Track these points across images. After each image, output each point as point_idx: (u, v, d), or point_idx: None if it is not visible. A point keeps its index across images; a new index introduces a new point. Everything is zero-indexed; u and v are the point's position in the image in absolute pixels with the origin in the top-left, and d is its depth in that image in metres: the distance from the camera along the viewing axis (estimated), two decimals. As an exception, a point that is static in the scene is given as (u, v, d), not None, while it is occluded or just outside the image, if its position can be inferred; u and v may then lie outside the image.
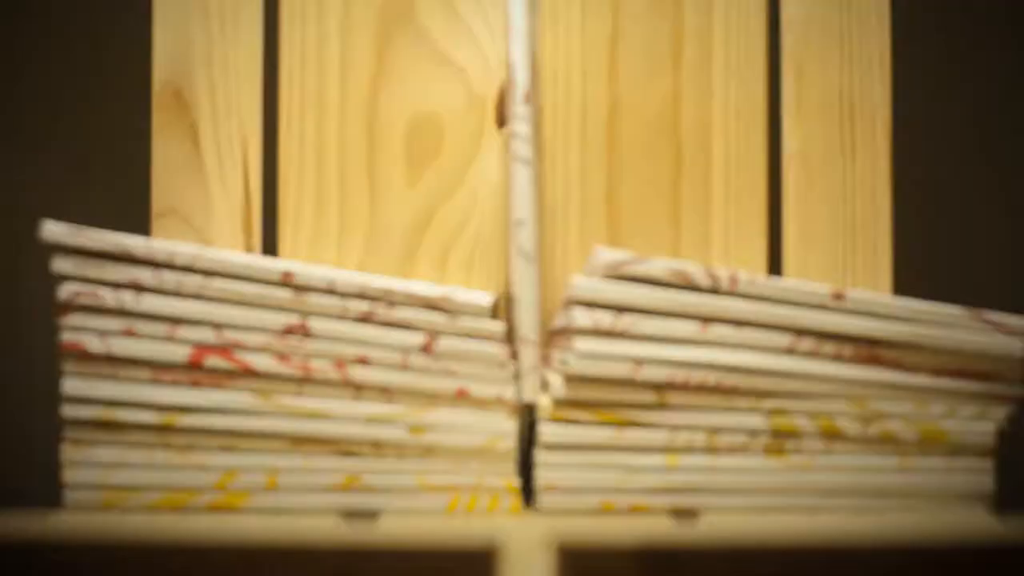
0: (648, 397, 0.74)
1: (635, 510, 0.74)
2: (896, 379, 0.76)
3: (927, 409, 0.75)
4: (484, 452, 0.74)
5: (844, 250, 0.87)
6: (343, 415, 0.74)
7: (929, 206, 1.03)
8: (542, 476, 0.74)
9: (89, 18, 1.01)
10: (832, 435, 0.75)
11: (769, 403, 0.74)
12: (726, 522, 0.73)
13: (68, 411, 0.74)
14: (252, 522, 0.72)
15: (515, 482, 0.75)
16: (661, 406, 0.74)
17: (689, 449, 0.74)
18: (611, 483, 0.74)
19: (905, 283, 0.89)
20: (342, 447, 0.74)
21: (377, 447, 0.74)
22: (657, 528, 0.69)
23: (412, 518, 0.73)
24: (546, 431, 0.74)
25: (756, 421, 0.75)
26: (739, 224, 0.87)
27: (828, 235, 0.87)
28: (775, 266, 0.87)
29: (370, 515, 0.74)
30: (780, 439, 0.74)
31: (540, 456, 0.74)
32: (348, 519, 0.73)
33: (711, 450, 0.75)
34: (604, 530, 0.69)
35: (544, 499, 0.74)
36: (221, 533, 0.51)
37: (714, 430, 0.74)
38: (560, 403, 0.74)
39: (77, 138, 1.01)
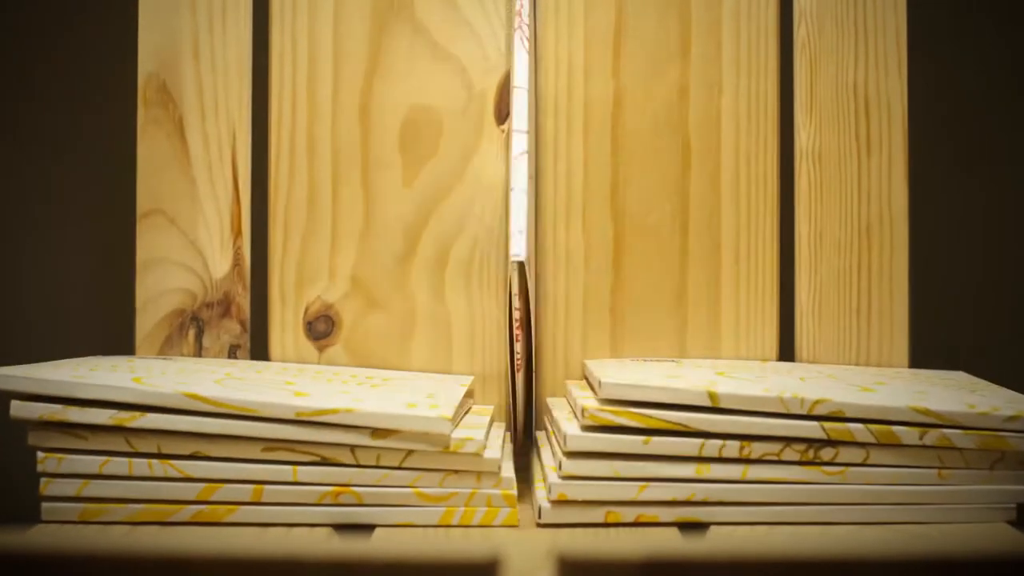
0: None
1: (641, 520, 0.72)
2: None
3: (985, 414, 0.72)
4: (478, 459, 0.72)
5: (859, 250, 0.86)
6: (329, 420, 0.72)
7: (947, 206, 1.01)
8: (559, 486, 0.72)
9: (72, 6, 1.00)
10: (889, 443, 0.72)
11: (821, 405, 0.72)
12: (733, 534, 0.70)
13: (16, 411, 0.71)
14: (239, 535, 0.70)
15: (513, 491, 0.72)
16: (705, 408, 0.72)
17: (720, 458, 0.72)
18: (636, 494, 0.72)
19: (921, 289, 0.88)
20: (329, 454, 0.71)
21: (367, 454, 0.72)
22: (663, 541, 0.68)
23: (409, 530, 0.71)
24: (573, 436, 0.72)
25: (802, 426, 0.72)
26: (750, 224, 0.85)
27: (842, 236, 0.86)
28: (787, 269, 0.86)
29: (364, 528, 0.72)
30: (816, 448, 0.72)
31: (564, 465, 0.72)
32: (340, 532, 0.71)
33: (744, 459, 0.72)
34: (608, 543, 0.67)
35: (555, 510, 0.72)
36: (205, 547, 0.49)
37: (751, 437, 0.72)
38: (601, 403, 0.72)
39: (59, 133, 1.00)
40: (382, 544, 0.49)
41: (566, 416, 0.75)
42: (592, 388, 0.76)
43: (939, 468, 0.72)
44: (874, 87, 0.86)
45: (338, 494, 0.71)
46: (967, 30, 1.01)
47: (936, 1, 0.98)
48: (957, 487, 0.72)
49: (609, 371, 0.75)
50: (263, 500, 0.71)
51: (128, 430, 0.71)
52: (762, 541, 0.57)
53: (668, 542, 0.67)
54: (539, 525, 0.72)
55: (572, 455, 0.72)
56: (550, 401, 0.82)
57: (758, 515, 0.72)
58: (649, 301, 0.85)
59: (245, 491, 0.71)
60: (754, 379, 0.75)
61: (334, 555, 0.48)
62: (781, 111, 0.86)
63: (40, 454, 0.71)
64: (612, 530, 0.71)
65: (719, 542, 0.58)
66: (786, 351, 0.86)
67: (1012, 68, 1.02)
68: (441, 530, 0.71)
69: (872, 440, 0.72)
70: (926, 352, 0.90)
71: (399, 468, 0.71)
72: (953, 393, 0.75)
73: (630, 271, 0.85)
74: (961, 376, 0.84)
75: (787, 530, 0.71)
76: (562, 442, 0.72)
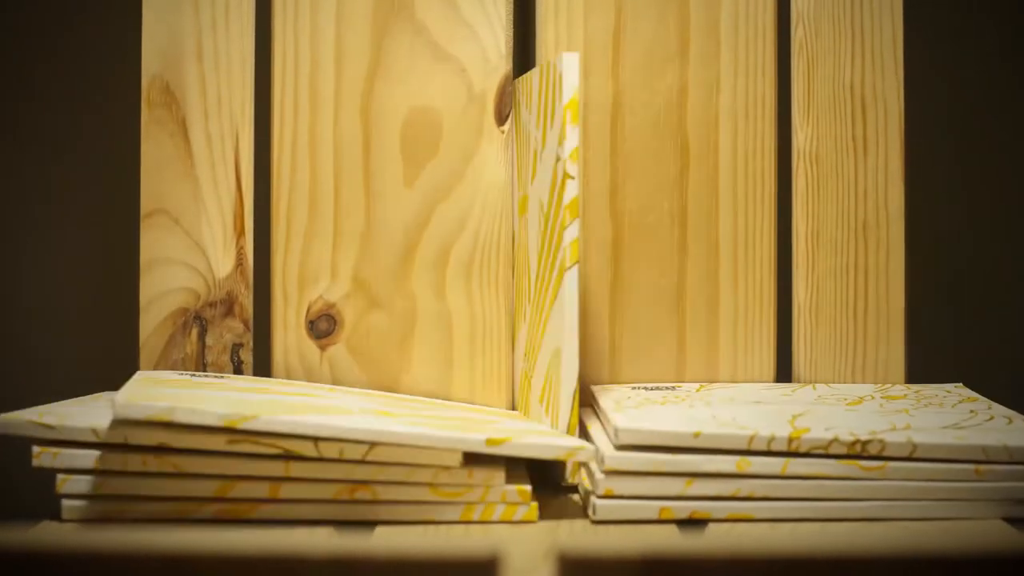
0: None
1: (695, 516, 0.72)
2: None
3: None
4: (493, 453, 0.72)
5: (856, 250, 0.86)
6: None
7: (942, 205, 1.01)
8: (605, 482, 0.71)
9: (73, 6, 1.00)
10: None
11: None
12: (733, 531, 0.70)
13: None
14: (247, 534, 0.69)
15: (527, 486, 0.72)
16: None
17: (769, 452, 0.71)
18: (683, 489, 0.71)
19: (916, 287, 0.89)
20: (335, 449, 0.71)
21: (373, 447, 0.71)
22: (662, 538, 0.68)
23: (410, 527, 0.71)
24: (623, 426, 0.71)
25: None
26: (747, 223, 0.86)
27: (838, 235, 0.86)
28: (784, 267, 0.86)
29: (369, 525, 0.72)
30: (863, 442, 0.71)
31: (608, 459, 0.72)
32: (346, 529, 0.71)
33: (792, 453, 0.72)
34: (608, 540, 0.67)
35: (608, 507, 0.71)
36: (208, 545, 0.49)
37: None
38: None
39: (59, 133, 1.00)
40: (383, 541, 0.49)
41: (612, 407, 0.76)
42: (602, 425, 0.76)
43: (976, 464, 0.72)
44: (870, 87, 0.86)
45: (354, 490, 0.71)
46: (963, 31, 1.01)
47: (932, 2, 0.98)
48: (996, 484, 0.72)
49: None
50: (280, 497, 0.71)
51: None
52: (762, 538, 0.57)
53: (667, 539, 0.67)
54: (593, 522, 0.71)
55: (620, 447, 0.71)
56: (595, 389, 0.83)
57: (803, 511, 0.72)
58: (647, 299, 0.86)
59: (262, 488, 0.71)
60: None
61: (335, 552, 0.48)
62: (779, 111, 0.86)
63: (35, 448, 0.71)
64: (612, 527, 0.71)
65: (718, 539, 0.58)
66: (783, 348, 0.87)
67: (1008, 68, 1.02)
68: (442, 527, 0.71)
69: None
70: (924, 350, 0.91)
71: (399, 464, 0.71)
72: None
73: (629, 269, 0.86)
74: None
75: (784, 527, 0.71)
76: (612, 435, 0.72)
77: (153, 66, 0.84)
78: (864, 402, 0.80)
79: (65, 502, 0.71)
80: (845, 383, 0.86)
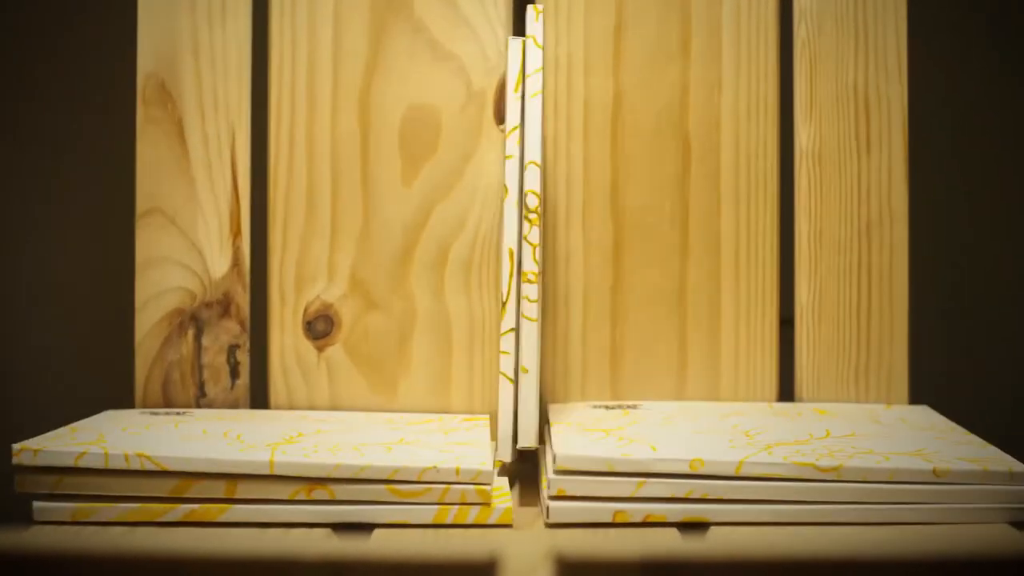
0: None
1: (649, 520, 0.72)
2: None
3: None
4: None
5: (859, 250, 0.86)
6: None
7: (947, 206, 1.01)
8: (557, 481, 0.71)
9: (72, 6, 1.00)
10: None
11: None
12: (733, 534, 0.70)
13: None
14: (235, 536, 0.69)
15: (506, 488, 0.72)
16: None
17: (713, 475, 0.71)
18: (634, 490, 0.71)
19: (920, 284, 0.89)
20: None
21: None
22: (662, 541, 0.68)
23: (407, 531, 0.71)
24: (562, 452, 0.71)
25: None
26: (749, 223, 0.86)
27: (842, 235, 0.86)
28: (787, 267, 0.86)
29: (364, 528, 0.71)
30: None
31: (559, 459, 0.71)
32: (339, 532, 0.71)
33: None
34: (607, 543, 0.67)
35: (562, 509, 0.71)
36: (199, 547, 0.49)
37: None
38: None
39: (59, 133, 1.00)
40: (380, 544, 0.49)
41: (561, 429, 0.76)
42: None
43: (933, 464, 0.72)
44: (874, 87, 0.86)
45: (311, 490, 0.71)
46: (967, 30, 1.01)
47: (937, 1, 0.98)
48: (954, 486, 0.72)
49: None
50: (236, 496, 0.70)
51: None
52: (762, 541, 0.57)
53: (667, 542, 0.67)
54: (547, 525, 0.71)
55: (559, 472, 0.72)
56: (551, 408, 0.82)
57: (757, 514, 0.72)
58: (649, 300, 0.85)
59: (218, 487, 0.70)
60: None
61: (332, 555, 0.48)
62: (781, 111, 0.86)
63: (15, 447, 0.70)
64: (612, 530, 0.71)
65: (718, 542, 0.58)
66: (785, 349, 0.87)
67: (1012, 67, 1.02)
68: (441, 531, 0.71)
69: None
70: (925, 351, 0.90)
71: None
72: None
73: (630, 270, 0.85)
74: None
75: (786, 530, 0.71)
76: (552, 461, 0.72)
77: (148, 64, 0.84)
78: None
79: (37, 504, 0.71)
80: (844, 384, 0.86)
